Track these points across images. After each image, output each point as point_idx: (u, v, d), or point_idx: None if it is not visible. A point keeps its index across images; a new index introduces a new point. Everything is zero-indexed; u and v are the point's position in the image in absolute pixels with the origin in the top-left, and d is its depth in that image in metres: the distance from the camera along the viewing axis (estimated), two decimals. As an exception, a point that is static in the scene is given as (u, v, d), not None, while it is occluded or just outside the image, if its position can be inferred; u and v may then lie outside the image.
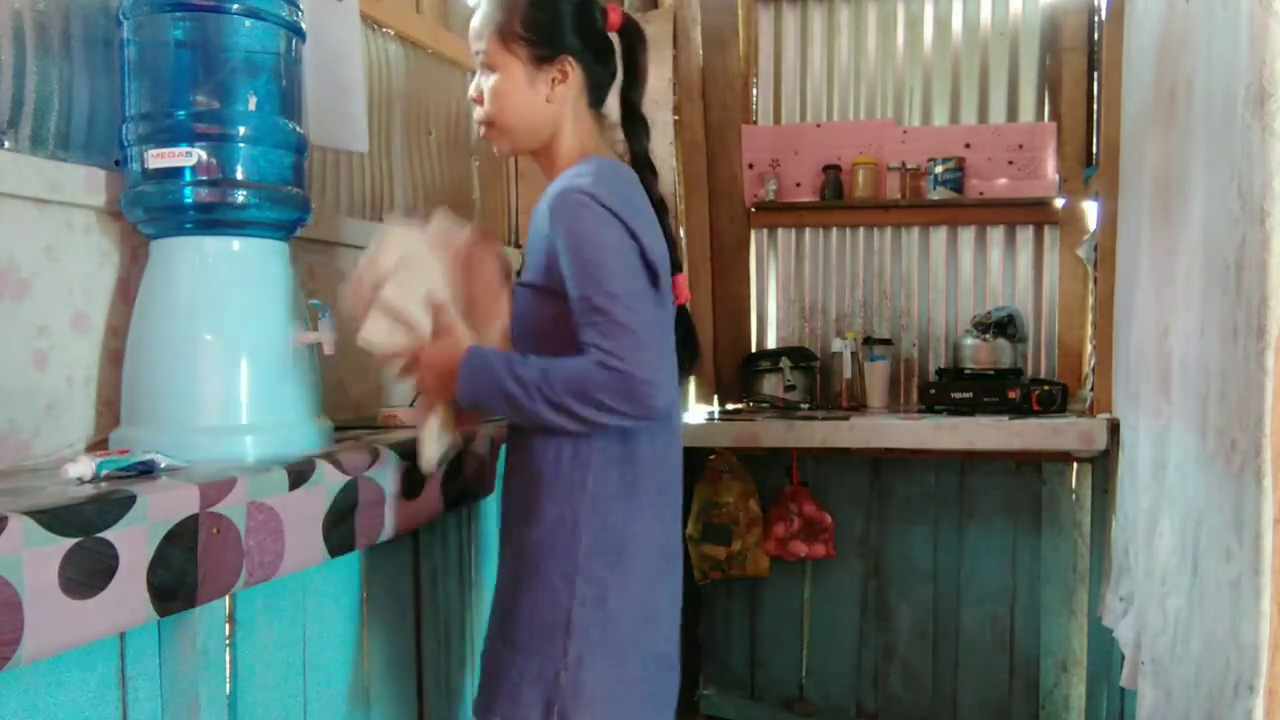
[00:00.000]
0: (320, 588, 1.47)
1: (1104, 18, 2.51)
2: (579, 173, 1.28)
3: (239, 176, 1.38)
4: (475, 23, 1.36)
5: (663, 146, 2.79)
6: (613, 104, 1.44)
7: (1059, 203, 2.92)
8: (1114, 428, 2.29)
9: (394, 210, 2.22)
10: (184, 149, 1.36)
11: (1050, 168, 2.91)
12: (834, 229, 3.12)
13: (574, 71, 1.34)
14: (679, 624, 1.37)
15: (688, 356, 1.38)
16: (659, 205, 1.39)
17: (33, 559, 0.93)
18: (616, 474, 1.27)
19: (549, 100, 1.34)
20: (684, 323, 1.39)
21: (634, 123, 1.39)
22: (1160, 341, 1.69)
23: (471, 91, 1.39)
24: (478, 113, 1.38)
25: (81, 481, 1.13)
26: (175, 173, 1.36)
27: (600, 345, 1.18)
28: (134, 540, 1.03)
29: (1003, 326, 2.73)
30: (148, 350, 1.38)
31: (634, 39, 1.39)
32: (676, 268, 1.40)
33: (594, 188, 1.23)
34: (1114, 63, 2.29)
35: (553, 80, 1.33)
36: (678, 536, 1.37)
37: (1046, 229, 2.97)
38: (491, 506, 1.89)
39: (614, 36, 1.40)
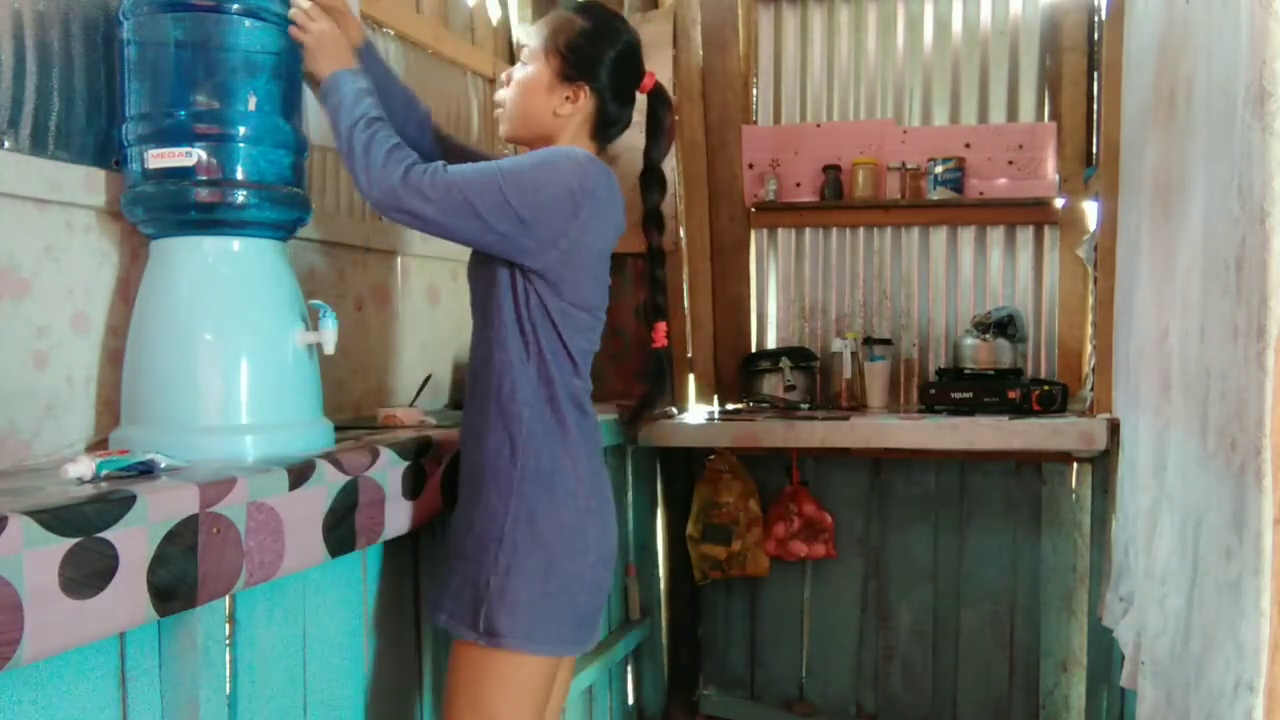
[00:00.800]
0: (320, 588, 1.47)
1: (1104, 18, 2.51)
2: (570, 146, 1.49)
3: (239, 176, 1.38)
4: (535, 25, 1.56)
5: (663, 146, 2.79)
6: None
7: (1059, 203, 2.92)
8: (1114, 428, 2.29)
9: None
10: (184, 149, 1.36)
11: (1050, 168, 2.91)
12: (834, 229, 3.12)
13: (586, 100, 1.51)
14: (610, 561, 1.53)
15: (656, 393, 1.59)
16: (655, 255, 1.59)
17: (33, 559, 0.93)
18: (547, 411, 1.45)
19: (556, 113, 1.51)
20: (656, 365, 1.60)
21: (650, 178, 1.58)
22: (1160, 341, 1.69)
23: (503, 75, 1.58)
24: (499, 93, 1.58)
25: (81, 481, 1.13)
26: (175, 173, 1.36)
27: (440, 171, 1.36)
28: (134, 540, 1.03)
29: (1003, 326, 2.73)
30: (148, 350, 1.38)
31: (659, 103, 1.59)
32: (660, 314, 1.59)
33: (581, 156, 1.43)
34: (1114, 63, 2.29)
35: (566, 98, 1.50)
36: (605, 481, 1.54)
37: (1046, 229, 2.97)
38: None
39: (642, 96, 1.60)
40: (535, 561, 1.42)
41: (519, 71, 1.53)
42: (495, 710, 1.43)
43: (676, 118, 1.61)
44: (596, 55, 1.50)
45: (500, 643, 1.40)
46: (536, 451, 1.44)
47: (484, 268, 1.47)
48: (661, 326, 1.59)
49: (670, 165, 2.81)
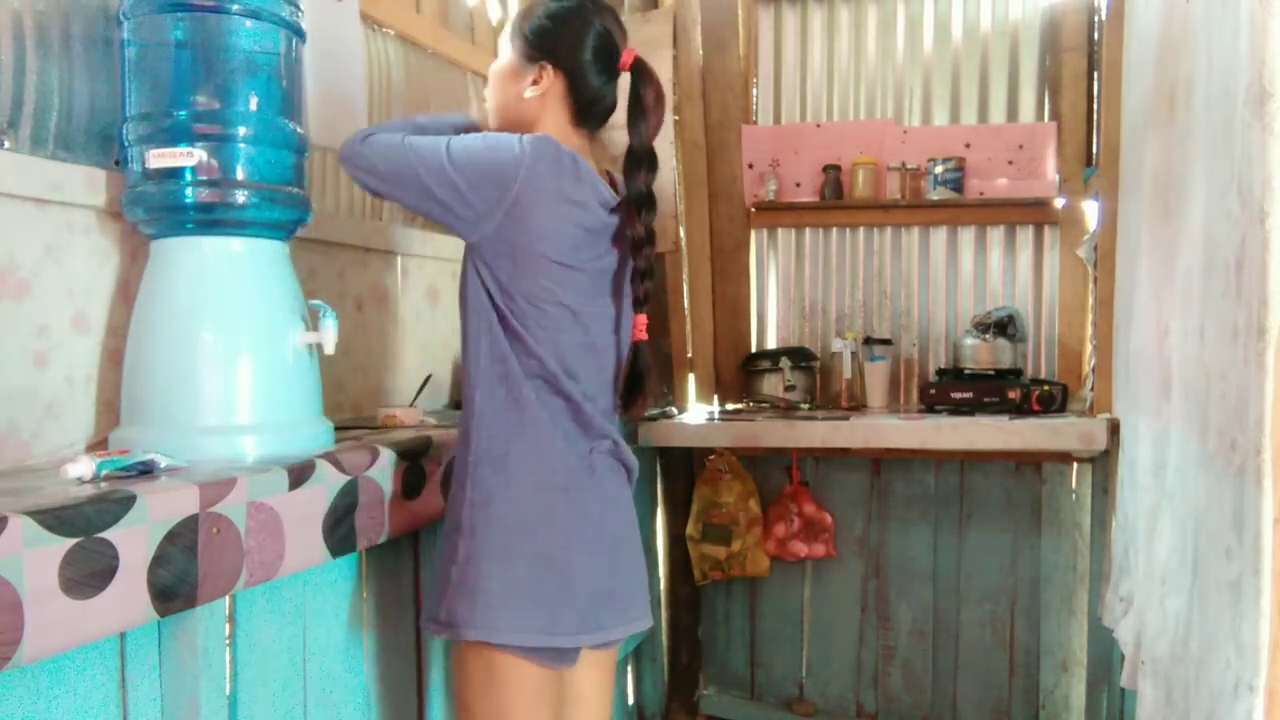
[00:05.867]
0: (320, 588, 1.47)
1: (1104, 18, 2.51)
2: None
3: (239, 177, 1.38)
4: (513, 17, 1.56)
5: (663, 147, 2.78)
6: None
7: (1059, 203, 2.92)
8: (1114, 428, 2.29)
9: (391, 216, 2.22)
10: (184, 149, 1.36)
11: (1050, 168, 2.91)
12: (834, 229, 3.12)
13: (551, 80, 1.48)
14: (595, 546, 1.42)
15: (634, 391, 1.50)
16: (643, 241, 1.48)
17: (33, 559, 0.93)
18: (502, 391, 1.40)
19: (523, 96, 1.49)
20: (637, 361, 1.51)
21: (632, 162, 1.48)
22: (1160, 341, 1.69)
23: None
24: (485, 90, 1.58)
25: (81, 481, 1.13)
26: (175, 173, 1.36)
27: (398, 138, 1.42)
28: (134, 540, 1.03)
29: (1003, 326, 2.73)
30: (148, 350, 1.38)
31: (640, 80, 1.50)
32: (638, 304, 1.50)
33: (530, 136, 1.40)
34: (1114, 63, 2.29)
35: (532, 80, 1.48)
36: (584, 455, 1.44)
37: (1046, 229, 2.97)
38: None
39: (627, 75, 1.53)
40: (494, 546, 1.36)
41: (494, 64, 1.54)
42: (484, 711, 1.37)
43: (663, 97, 1.54)
44: (559, 32, 1.47)
45: (461, 633, 1.35)
46: (490, 433, 1.40)
47: (464, 256, 1.46)
48: (640, 320, 1.52)
49: (670, 165, 2.81)
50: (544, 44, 1.47)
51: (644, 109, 1.49)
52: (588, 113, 1.51)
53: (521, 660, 1.36)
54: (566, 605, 1.38)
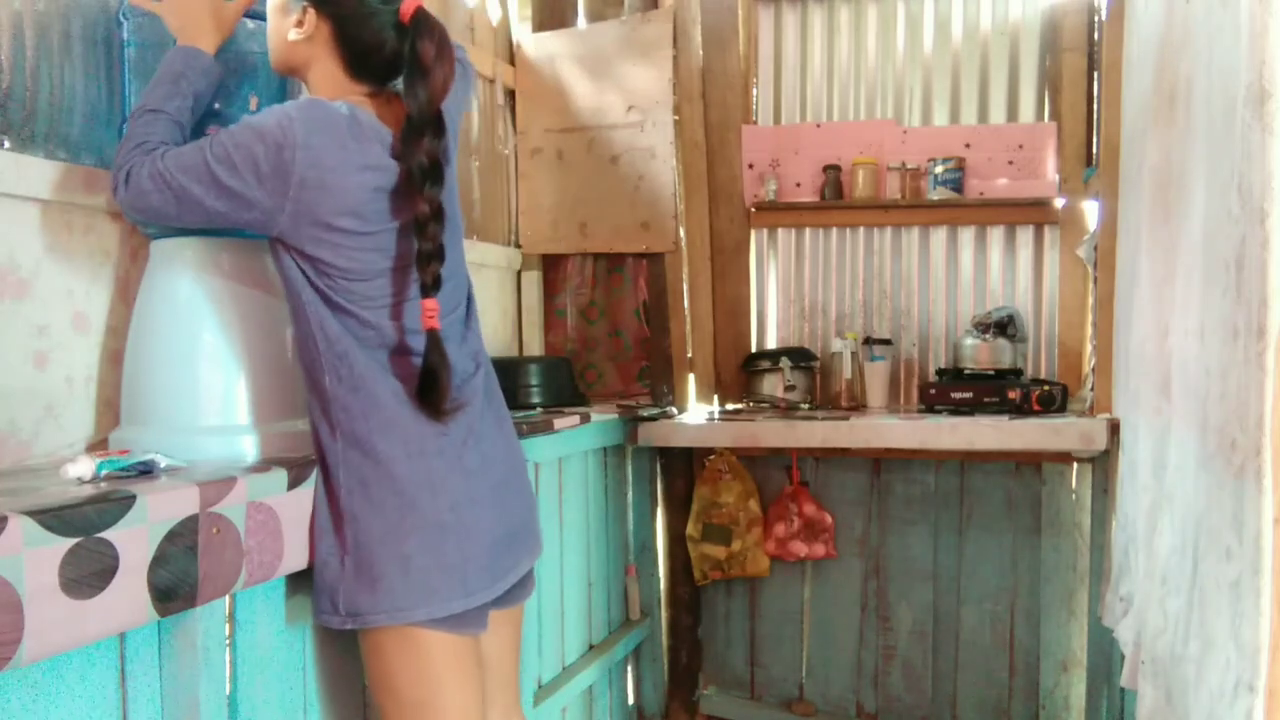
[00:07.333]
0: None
1: (1104, 18, 2.51)
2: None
3: (239, 176, 1.37)
4: None
5: (663, 146, 2.79)
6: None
7: (1059, 203, 2.92)
8: (1114, 428, 2.29)
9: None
10: (184, 149, 1.35)
11: (1050, 168, 2.91)
12: (834, 229, 3.12)
13: (315, 25, 1.33)
14: (478, 497, 1.39)
15: (429, 389, 1.32)
16: (428, 219, 1.31)
17: (33, 559, 0.93)
18: (346, 369, 1.31)
19: (289, 38, 1.34)
20: (430, 354, 1.32)
21: (409, 130, 1.31)
22: (1160, 341, 1.69)
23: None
24: None
25: (81, 481, 1.13)
26: (175, 173, 1.36)
27: (156, 160, 1.28)
28: (134, 540, 1.03)
29: (1003, 326, 2.73)
30: (148, 350, 1.38)
31: (417, 34, 1.32)
32: (426, 290, 1.32)
33: (290, 108, 1.27)
34: (1114, 63, 2.29)
35: (295, 22, 1.34)
36: (459, 419, 1.38)
37: (1046, 229, 2.97)
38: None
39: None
40: (381, 528, 1.30)
41: None
42: (414, 694, 1.33)
43: (448, 53, 1.34)
44: None
45: (368, 620, 1.30)
46: (347, 415, 1.31)
47: (268, 246, 1.35)
48: (431, 305, 1.32)
49: (670, 165, 2.81)
50: None
51: (422, 67, 1.30)
52: (363, 64, 1.35)
53: (439, 632, 1.33)
54: (472, 563, 1.36)
